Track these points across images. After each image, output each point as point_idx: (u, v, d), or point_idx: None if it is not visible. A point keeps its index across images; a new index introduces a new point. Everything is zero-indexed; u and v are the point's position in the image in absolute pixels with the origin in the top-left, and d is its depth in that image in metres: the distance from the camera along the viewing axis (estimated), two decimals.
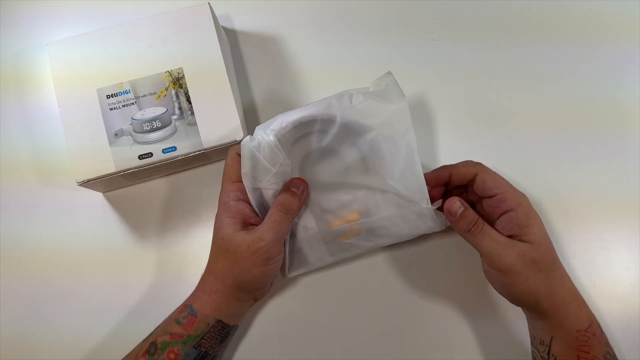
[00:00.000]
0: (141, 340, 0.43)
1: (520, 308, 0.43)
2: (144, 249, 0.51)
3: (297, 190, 0.42)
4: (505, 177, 0.42)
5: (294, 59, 0.55)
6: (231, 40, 0.56)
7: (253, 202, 0.42)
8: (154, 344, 0.41)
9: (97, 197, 0.52)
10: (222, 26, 0.55)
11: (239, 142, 0.47)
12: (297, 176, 0.45)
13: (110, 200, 0.52)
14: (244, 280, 0.42)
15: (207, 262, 0.44)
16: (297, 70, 0.55)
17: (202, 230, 0.51)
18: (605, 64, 0.54)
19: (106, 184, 0.49)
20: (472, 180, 0.43)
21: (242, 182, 0.42)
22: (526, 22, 0.56)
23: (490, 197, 0.42)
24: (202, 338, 0.41)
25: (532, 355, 0.42)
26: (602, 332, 0.40)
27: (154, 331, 0.43)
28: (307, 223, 0.45)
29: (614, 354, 0.40)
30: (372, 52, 0.55)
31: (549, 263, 0.40)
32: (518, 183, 0.41)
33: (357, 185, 0.45)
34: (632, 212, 0.51)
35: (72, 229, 0.52)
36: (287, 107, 0.54)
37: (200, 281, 0.44)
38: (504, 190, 0.41)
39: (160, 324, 0.43)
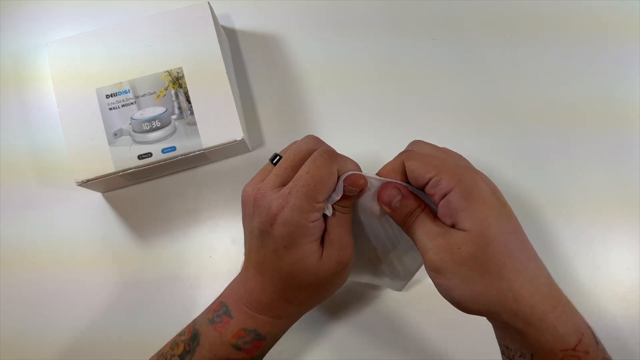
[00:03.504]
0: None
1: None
2: (143, 249, 0.51)
3: (354, 193, 0.35)
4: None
5: (294, 58, 0.55)
6: (231, 40, 0.56)
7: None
8: None
9: (96, 197, 0.52)
10: (222, 26, 0.55)
11: (238, 142, 0.48)
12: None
13: (109, 200, 0.52)
14: (329, 295, 0.38)
15: (275, 288, 0.36)
16: (297, 70, 0.55)
17: (202, 230, 0.51)
18: (606, 64, 0.54)
19: (105, 184, 0.49)
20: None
21: (324, 202, 0.35)
22: (526, 22, 0.56)
23: (426, 185, 0.32)
24: (262, 356, 0.38)
25: None
26: (597, 343, 0.31)
27: (193, 348, 0.37)
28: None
29: None
30: (372, 52, 0.55)
31: (499, 258, 0.29)
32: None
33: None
34: (632, 212, 0.50)
35: (71, 229, 0.51)
36: (286, 106, 0.54)
37: (267, 306, 0.36)
38: (438, 171, 0.31)
39: (200, 340, 0.37)
